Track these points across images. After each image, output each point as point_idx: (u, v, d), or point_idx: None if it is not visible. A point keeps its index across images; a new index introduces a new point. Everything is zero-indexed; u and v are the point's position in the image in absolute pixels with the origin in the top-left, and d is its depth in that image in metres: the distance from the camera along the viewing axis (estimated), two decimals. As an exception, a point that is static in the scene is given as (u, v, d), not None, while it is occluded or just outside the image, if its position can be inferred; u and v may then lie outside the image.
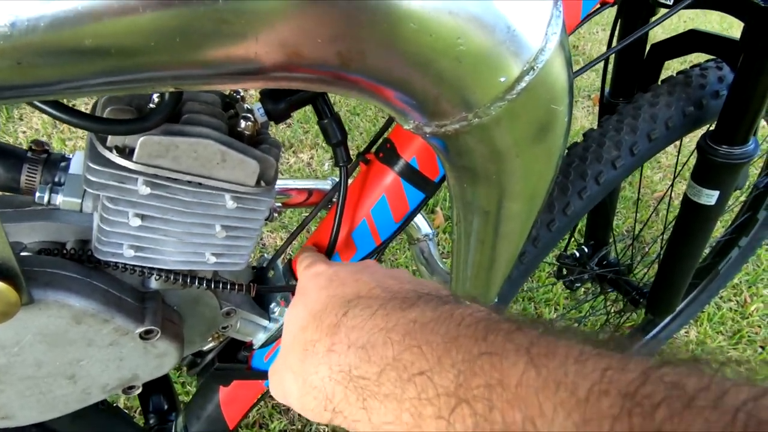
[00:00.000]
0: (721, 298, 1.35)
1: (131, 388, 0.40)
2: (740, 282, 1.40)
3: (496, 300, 0.52)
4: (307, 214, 0.50)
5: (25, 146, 0.34)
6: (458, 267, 0.48)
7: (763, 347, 1.24)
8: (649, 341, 1.11)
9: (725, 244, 1.01)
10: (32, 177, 0.32)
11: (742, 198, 0.99)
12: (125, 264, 0.35)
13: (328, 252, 0.44)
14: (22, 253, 0.33)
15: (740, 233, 0.97)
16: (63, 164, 0.34)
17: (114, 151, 0.29)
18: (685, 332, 1.27)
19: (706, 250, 1.07)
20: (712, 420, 0.13)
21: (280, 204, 0.51)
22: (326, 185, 0.54)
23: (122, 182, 0.30)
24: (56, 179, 0.33)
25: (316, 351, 0.26)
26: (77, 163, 0.34)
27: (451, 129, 0.30)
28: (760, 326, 1.29)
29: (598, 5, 0.43)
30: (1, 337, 0.31)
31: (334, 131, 0.40)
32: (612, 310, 1.09)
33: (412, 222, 0.54)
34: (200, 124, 0.31)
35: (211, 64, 0.21)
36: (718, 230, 1.47)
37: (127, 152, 0.29)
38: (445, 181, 0.45)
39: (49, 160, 0.33)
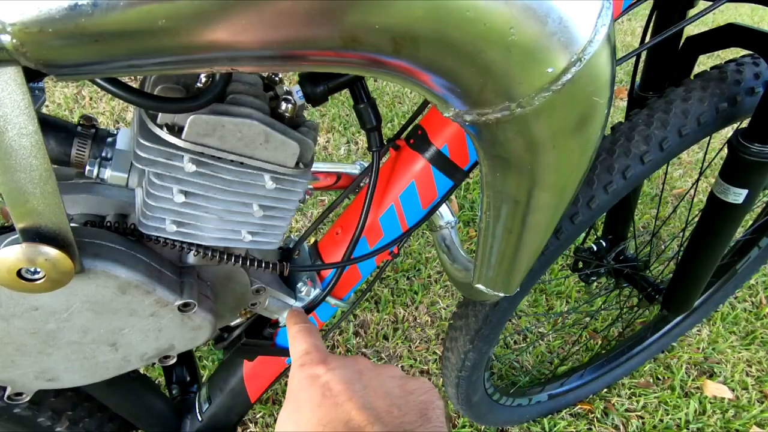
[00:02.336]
0: (736, 298, 1.35)
1: (167, 357, 0.41)
2: (756, 283, 1.38)
3: (517, 290, 0.52)
4: (330, 197, 0.50)
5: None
6: (483, 255, 0.48)
7: (775, 349, 1.23)
8: (659, 338, 1.12)
9: (745, 244, 1.00)
10: (82, 151, 0.33)
11: (766, 198, 0.98)
12: (167, 238, 0.36)
13: (356, 237, 0.45)
14: (72, 225, 0.34)
15: (762, 233, 0.96)
16: (110, 140, 0.35)
17: (164, 129, 0.30)
18: (697, 331, 1.26)
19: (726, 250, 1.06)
20: None
21: (310, 186, 0.52)
22: (354, 169, 0.54)
23: (170, 159, 0.31)
24: (104, 154, 0.34)
25: None
26: (123, 139, 0.35)
27: (492, 118, 0.30)
28: (774, 328, 1.28)
29: (640, -4, 0.42)
30: (53, 304, 0.32)
31: (369, 116, 0.41)
32: (625, 306, 1.09)
33: (436, 209, 0.55)
34: (245, 105, 0.32)
35: (270, 46, 0.22)
36: (740, 230, 1.46)
37: (176, 130, 0.30)
38: (476, 168, 0.45)
39: (97, 136, 0.34)
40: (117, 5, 0.18)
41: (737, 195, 0.59)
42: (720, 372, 1.17)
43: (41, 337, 0.34)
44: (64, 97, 1.63)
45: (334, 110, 1.74)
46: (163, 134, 0.30)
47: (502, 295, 0.51)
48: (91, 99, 1.65)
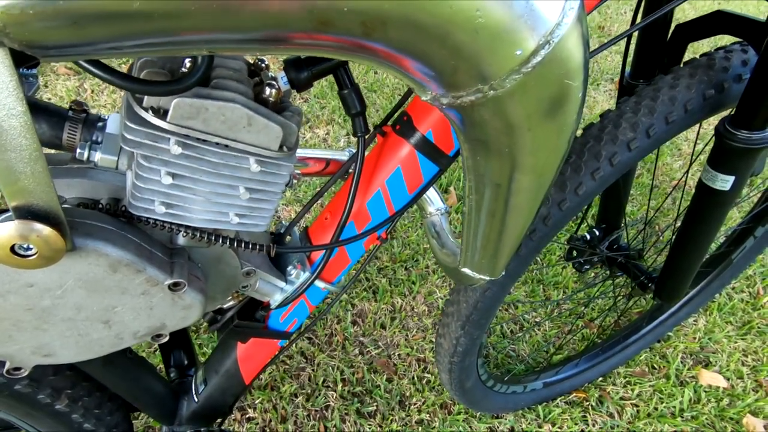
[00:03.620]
0: (733, 288, 1.35)
1: (159, 336, 0.43)
2: (754, 273, 1.38)
3: (503, 274, 0.53)
4: (322, 184, 0.52)
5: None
6: (468, 239, 0.49)
7: (772, 339, 1.24)
8: (655, 328, 1.13)
9: (741, 234, 1.00)
10: (73, 135, 0.35)
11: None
12: (156, 220, 0.37)
13: (343, 220, 0.46)
14: (63, 206, 0.36)
15: (757, 223, 0.96)
16: (100, 124, 0.36)
17: (150, 112, 0.31)
18: (694, 320, 1.27)
19: (722, 239, 1.06)
20: None
21: (299, 171, 0.53)
22: (343, 156, 0.55)
23: (156, 141, 0.32)
24: (94, 138, 0.35)
25: None
26: (113, 124, 0.36)
27: (466, 100, 0.31)
28: (771, 318, 1.28)
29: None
30: (47, 281, 0.34)
31: (353, 101, 0.42)
32: (620, 295, 1.09)
33: (425, 196, 0.56)
34: (228, 89, 0.33)
35: (243, 29, 0.23)
36: (736, 219, 1.45)
37: (161, 113, 0.32)
38: (460, 155, 0.46)
39: (88, 120, 0.35)
40: (93, -12, 0.19)
41: (724, 182, 0.60)
42: (715, 361, 1.18)
43: (36, 313, 0.36)
44: (66, 90, 1.65)
45: (334, 102, 1.75)
46: (149, 117, 0.31)
47: (487, 278, 0.52)
48: (92, 92, 1.67)
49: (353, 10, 0.24)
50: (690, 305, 1.11)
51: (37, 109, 0.33)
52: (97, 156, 0.35)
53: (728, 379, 1.14)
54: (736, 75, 0.57)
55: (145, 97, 0.31)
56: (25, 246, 0.30)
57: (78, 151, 0.35)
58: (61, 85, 1.67)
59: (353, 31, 0.25)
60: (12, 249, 0.30)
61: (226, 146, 0.34)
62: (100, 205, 0.38)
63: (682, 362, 1.17)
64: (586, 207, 0.78)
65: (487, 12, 0.25)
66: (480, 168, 0.40)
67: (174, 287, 0.39)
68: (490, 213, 0.45)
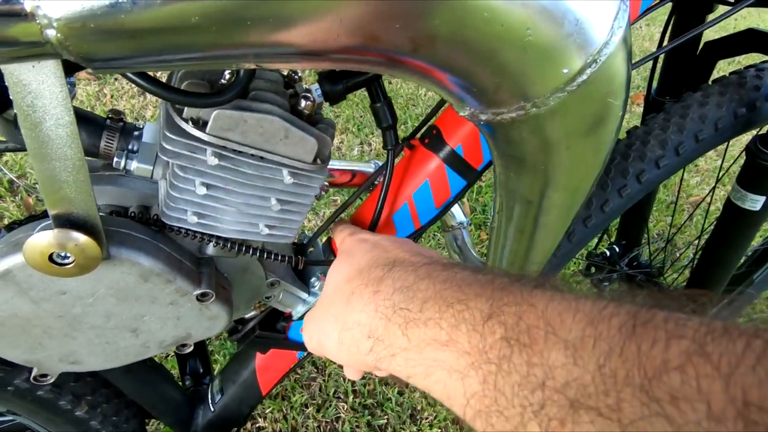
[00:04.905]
0: (752, 308, 1.32)
1: (184, 345, 0.43)
2: (775, 294, 1.35)
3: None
4: (340, 194, 0.51)
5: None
6: (495, 255, 0.49)
7: (793, 362, 1.20)
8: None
9: (762, 254, 0.98)
10: (110, 143, 0.35)
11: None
12: (188, 229, 0.37)
13: (370, 230, 0.46)
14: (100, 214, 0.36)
15: (780, 243, 0.94)
16: (137, 133, 0.36)
17: (189, 123, 0.31)
18: (712, 340, 1.24)
19: (743, 258, 1.04)
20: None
21: (327, 183, 0.53)
22: (369, 168, 0.55)
23: (193, 152, 0.32)
24: (131, 147, 0.36)
25: (361, 295, 0.30)
26: (149, 133, 0.37)
27: (507, 117, 0.31)
28: (792, 340, 1.25)
29: (657, 0, 0.43)
30: (80, 289, 0.34)
31: (385, 115, 0.42)
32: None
33: (448, 209, 0.55)
34: (267, 101, 0.33)
35: (295, 44, 0.23)
36: (756, 239, 1.43)
37: (200, 124, 0.32)
38: (489, 170, 0.46)
39: (125, 129, 0.36)
40: (153, 3, 0.19)
41: (755, 202, 0.59)
42: (735, 383, 1.15)
43: (67, 320, 0.36)
44: (87, 95, 1.67)
45: (348, 111, 1.76)
46: (189, 128, 0.31)
47: (512, 295, 0.51)
48: (112, 96, 1.69)
49: (404, 27, 0.23)
50: (710, 325, 1.09)
51: (77, 117, 0.33)
52: (134, 165, 0.35)
53: (749, 403, 1.11)
54: (768, 94, 0.57)
55: (186, 108, 0.31)
56: (62, 254, 0.30)
57: (115, 159, 0.35)
58: (81, 89, 1.70)
59: (402, 48, 0.25)
60: (50, 257, 0.29)
61: (261, 158, 0.34)
62: (132, 213, 0.38)
63: (700, 383, 1.14)
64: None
65: (538, 30, 0.25)
66: (512, 184, 0.40)
67: (202, 297, 0.39)
68: (519, 229, 0.44)
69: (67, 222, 0.29)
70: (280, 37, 0.22)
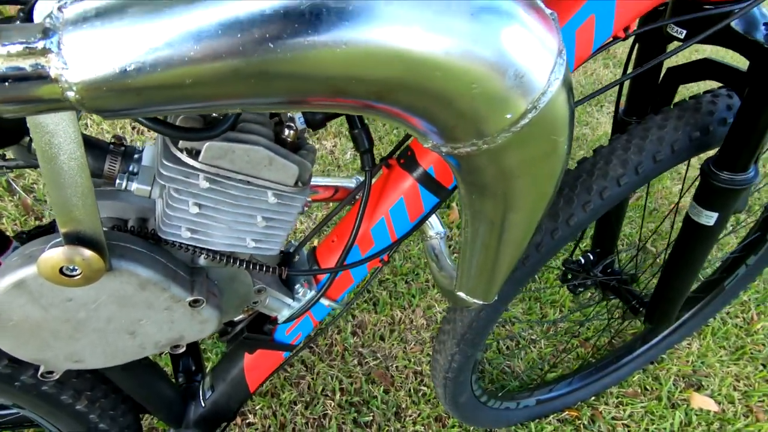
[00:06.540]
0: (727, 313, 1.37)
1: (177, 346, 0.47)
2: (749, 300, 1.41)
3: (495, 298, 0.57)
4: (329, 207, 0.56)
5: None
6: (464, 266, 0.53)
7: (764, 365, 1.26)
8: (648, 350, 1.15)
9: (733, 261, 1.03)
10: (113, 166, 0.39)
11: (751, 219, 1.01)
12: (182, 243, 0.41)
13: (349, 245, 0.50)
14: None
15: (749, 252, 0.99)
16: (137, 156, 0.40)
17: (184, 152, 0.35)
18: (687, 344, 1.29)
19: (716, 265, 1.10)
20: None
21: (309, 198, 0.57)
22: (351, 183, 0.60)
23: (187, 177, 0.37)
24: (131, 169, 0.40)
25: None
26: (148, 156, 0.41)
27: (463, 151, 0.35)
28: (763, 344, 1.31)
29: (611, 39, 0.47)
30: (84, 296, 0.38)
31: (362, 140, 0.46)
32: (613, 317, 1.12)
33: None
34: (253, 133, 0.37)
35: (275, 96, 0.27)
36: (732, 246, 1.48)
37: (193, 153, 0.36)
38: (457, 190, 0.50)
39: (126, 153, 0.40)
40: (155, 70, 0.24)
41: (709, 218, 0.63)
42: (707, 385, 1.20)
43: (72, 324, 0.40)
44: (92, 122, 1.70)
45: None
46: (183, 157, 0.35)
47: (481, 302, 0.55)
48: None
49: (370, 81, 0.28)
50: (683, 329, 1.14)
51: (84, 144, 0.37)
52: (134, 186, 0.39)
53: (719, 404, 1.16)
54: (721, 118, 0.61)
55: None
56: (71, 268, 0.34)
57: (117, 181, 0.39)
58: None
59: (370, 96, 0.29)
60: (60, 270, 0.34)
61: (248, 182, 0.38)
62: (131, 227, 0.42)
63: (674, 385, 1.20)
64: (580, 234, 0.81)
65: (482, 83, 0.29)
66: (476, 206, 0.44)
67: (194, 303, 0.43)
68: (484, 245, 0.49)
69: (75, 239, 0.33)
70: (262, 94, 0.27)
